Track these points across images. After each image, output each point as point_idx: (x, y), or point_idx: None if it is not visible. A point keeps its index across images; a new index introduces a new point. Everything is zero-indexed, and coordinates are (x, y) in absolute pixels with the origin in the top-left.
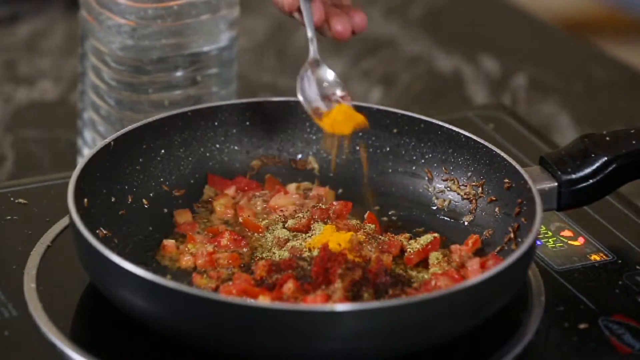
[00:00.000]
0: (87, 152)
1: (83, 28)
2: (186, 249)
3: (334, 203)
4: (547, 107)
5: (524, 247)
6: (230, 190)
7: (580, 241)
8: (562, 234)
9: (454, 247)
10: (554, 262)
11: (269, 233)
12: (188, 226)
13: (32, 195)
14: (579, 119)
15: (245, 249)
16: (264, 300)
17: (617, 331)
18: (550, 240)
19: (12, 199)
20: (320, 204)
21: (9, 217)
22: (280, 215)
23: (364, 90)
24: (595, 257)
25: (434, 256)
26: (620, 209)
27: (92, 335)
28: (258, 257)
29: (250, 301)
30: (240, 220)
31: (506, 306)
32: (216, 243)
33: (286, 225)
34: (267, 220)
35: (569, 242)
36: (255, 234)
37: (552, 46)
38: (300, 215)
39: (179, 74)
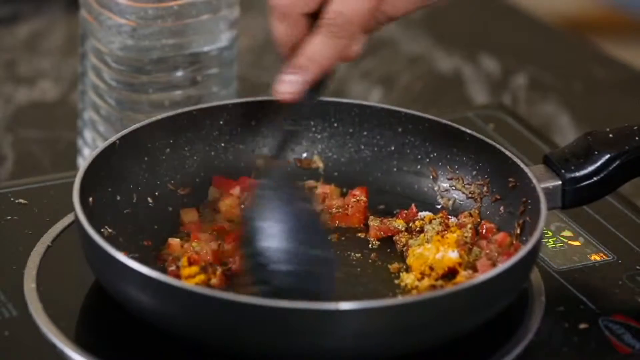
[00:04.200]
0: (88, 152)
1: (83, 28)
2: (190, 247)
3: (350, 202)
4: (547, 107)
5: (529, 246)
6: (236, 191)
7: (580, 241)
8: (562, 234)
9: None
10: (554, 262)
11: None
12: (194, 225)
13: (32, 195)
14: (579, 119)
15: None
16: (268, 299)
17: (617, 331)
18: (550, 240)
19: (12, 199)
20: (339, 209)
21: (9, 217)
22: None
23: (364, 90)
24: (595, 257)
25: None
26: (620, 209)
27: (93, 335)
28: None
29: (254, 299)
30: None
31: (507, 306)
32: (229, 239)
33: None
34: None
35: (569, 242)
36: None
37: (552, 46)
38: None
39: (179, 74)
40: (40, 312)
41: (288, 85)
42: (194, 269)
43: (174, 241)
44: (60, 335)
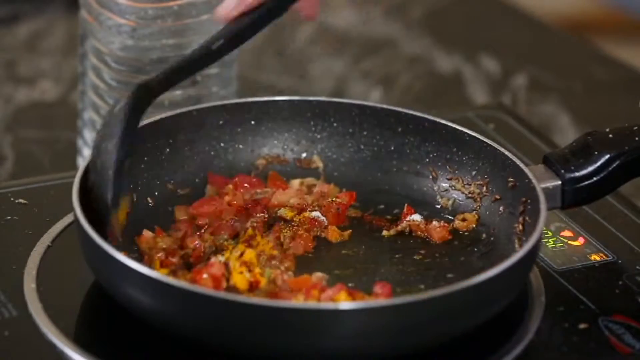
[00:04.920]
0: (88, 152)
1: (83, 28)
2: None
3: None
4: (547, 107)
5: (528, 246)
6: (228, 188)
7: (580, 241)
8: (562, 234)
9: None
10: (554, 262)
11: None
12: (186, 223)
13: (32, 195)
14: (579, 119)
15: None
16: (268, 299)
17: (617, 331)
18: (550, 240)
19: (12, 199)
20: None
21: (9, 217)
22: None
23: (364, 90)
24: (595, 257)
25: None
26: (620, 209)
27: (93, 335)
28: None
29: (254, 299)
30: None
31: (506, 306)
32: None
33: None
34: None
35: (569, 242)
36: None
37: (552, 46)
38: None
39: None
40: (40, 312)
41: (227, 4)
42: (164, 271)
43: (148, 234)
44: (60, 335)
